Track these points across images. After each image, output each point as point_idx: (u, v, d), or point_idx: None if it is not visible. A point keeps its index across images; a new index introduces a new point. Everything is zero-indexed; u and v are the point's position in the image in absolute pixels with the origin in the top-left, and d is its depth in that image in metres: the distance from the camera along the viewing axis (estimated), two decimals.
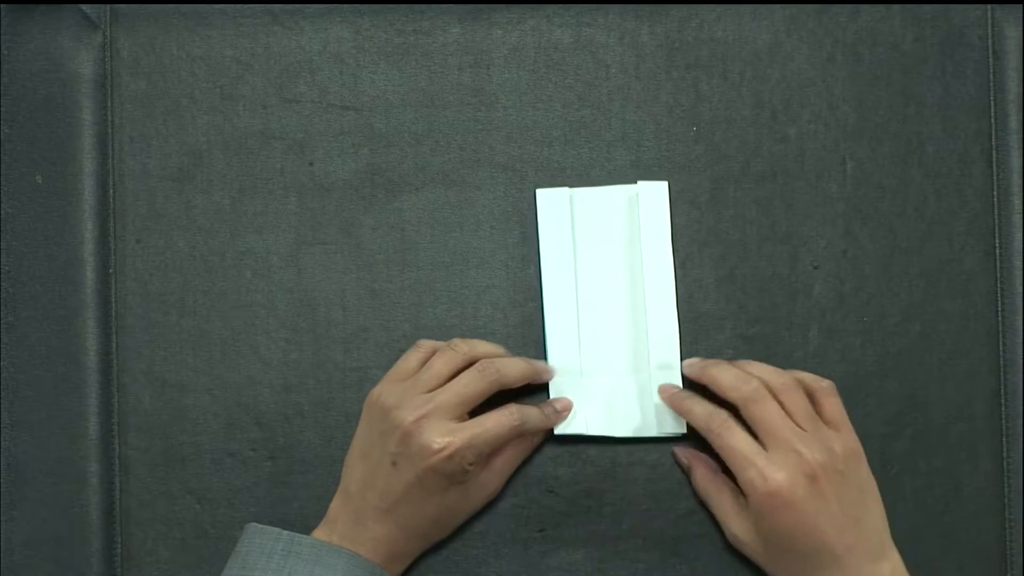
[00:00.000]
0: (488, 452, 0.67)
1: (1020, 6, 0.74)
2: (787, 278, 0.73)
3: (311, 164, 0.73)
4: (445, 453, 0.65)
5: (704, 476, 0.70)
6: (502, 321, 0.72)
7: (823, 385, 0.68)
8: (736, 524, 0.68)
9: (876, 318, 0.73)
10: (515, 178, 0.73)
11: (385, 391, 0.68)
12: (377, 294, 0.72)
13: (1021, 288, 0.73)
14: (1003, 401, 0.73)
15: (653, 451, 0.72)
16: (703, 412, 0.68)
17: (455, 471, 0.65)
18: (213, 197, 0.73)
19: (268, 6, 0.73)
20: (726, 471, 0.68)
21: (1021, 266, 0.73)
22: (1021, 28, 0.74)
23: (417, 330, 0.72)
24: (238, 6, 0.73)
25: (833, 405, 0.68)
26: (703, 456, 0.70)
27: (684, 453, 0.71)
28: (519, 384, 0.69)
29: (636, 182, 0.73)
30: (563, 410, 0.71)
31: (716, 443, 0.67)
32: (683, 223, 0.73)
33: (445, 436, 0.65)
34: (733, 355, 0.72)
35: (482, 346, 0.70)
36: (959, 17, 0.74)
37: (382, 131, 0.73)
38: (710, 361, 0.70)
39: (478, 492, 0.69)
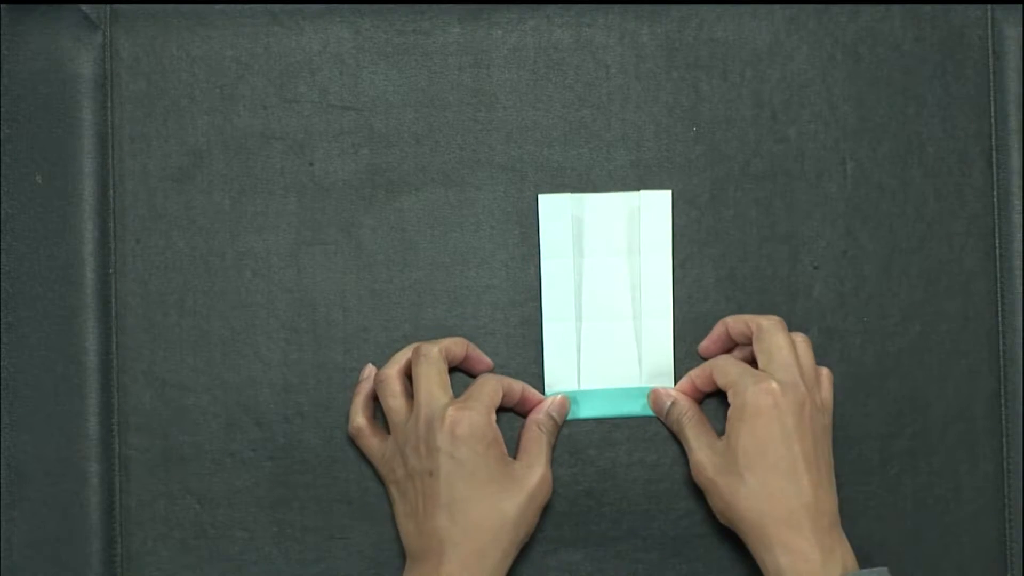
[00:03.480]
0: (492, 408, 0.67)
1: (1020, 6, 0.74)
2: (787, 278, 0.73)
3: (311, 164, 0.73)
4: (456, 412, 0.66)
5: (687, 407, 0.70)
6: (502, 321, 0.72)
7: (824, 371, 0.71)
8: (708, 447, 0.68)
9: (876, 318, 0.73)
10: (515, 178, 0.73)
11: (387, 462, 0.69)
12: (377, 294, 0.72)
13: (1021, 288, 0.73)
14: (1003, 401, 0.73)
15: (653, 451, 0.72)
16: (692, 371, 0.71)
17: (480, 428, 0.66)
18: (213, 197, 0.73)
19: (268, 6, 0.73)
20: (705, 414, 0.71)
21: (1021, 266, 0.73)
22: (1021, 28, 0.74)
23: (417, 330, 0.72)
24: (238, 6, 0.73)
25: (827, 389, 0.70)
26: (687, 397, 0.71)
27: (667, 392, 0.71)
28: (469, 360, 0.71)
29: (636, 183, 0.73)
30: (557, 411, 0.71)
31: (716, 368, 0.69)
32: (683, 223, 0.73)
33: (449, 404, 0.66)
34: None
35: (394, 365, 0.70)
36: (959, 17, 0.74)
37: (382, 131, 0.73)
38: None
39: (525, 479, 0.67)
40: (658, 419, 0.72)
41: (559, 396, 0.71)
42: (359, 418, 0.70)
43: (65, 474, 0.71)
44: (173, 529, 0.71)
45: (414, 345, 0.70)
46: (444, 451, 0.65)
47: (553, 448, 0.71)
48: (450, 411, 0.66)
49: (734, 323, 0.71)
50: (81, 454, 0.71)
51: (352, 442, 0.71)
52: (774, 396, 0.66)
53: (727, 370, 0.68)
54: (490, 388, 0.68)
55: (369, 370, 0.71)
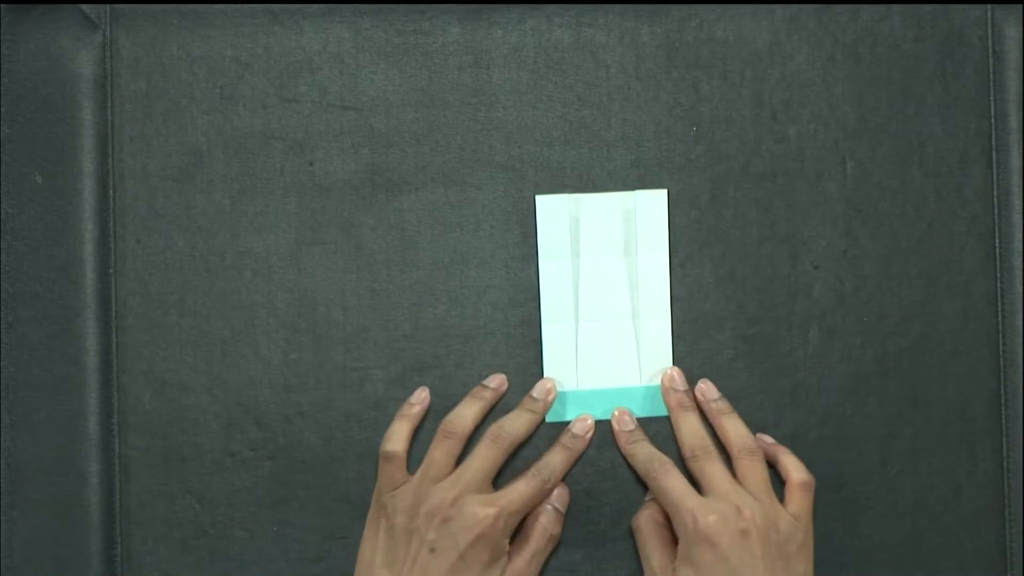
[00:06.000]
0: (523, 516, 0.68)
1: (1020, 6, 0.74)
2: (787, 278, 0.73)
3: (311, 164, 0.73)
4: (490, 520, 0.65)
5: (647, 517, 0.69)
6: (502, 321, 0.72)
7: (803, 478, 0.69)
8: (658, 566, 0.67)
9: (876, 318, 0.73)
10: (515, 178, 0.73)
11: (394, 497, 0.68)
12: (377, 294, 0.72)
13: (1021, 288, 0.73)
14: (1003, 401, 0.73)
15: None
16: (645, 456, 0.69)
17: (498, 540, 0.66)
18: (213, 197, 0.73)
19: (268, 6, 0.73)
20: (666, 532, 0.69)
21: (1021, 266, 0.73)
22: (1021, 28, 0.74)
23: (417, 330, 0.72)
24: (238, 6, 0.73)
25: (801, 500, 0.68)
26: (657, 506, 0.70)
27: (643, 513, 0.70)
28: (530, 435, 0.70)
29: (636, 183, 0.73)
30: (581, 433, 0.71)
31: (653, 486, 0.68)
32: (683, 223, 0.73)
33: (487, 506, 0.66)
34: (733, 355, 0.72)
35: (470, 416, 0.70)
36: (959, 17, 0.74)
37: (382, 131, 0.73)
38: (688, 400, 0.71)
39: None
40: (664, 403, 0.72)
41: (564, 490, 0.71)
42: (400, 445, 0.69)
43: (65, 474, 0.71)
44: (173, 529, 0.71)
45: (484, 392, 0.70)
46: (458, 540, 0.65)
47: (556, 543, 0.70)
48: (481, 512, 0.65)
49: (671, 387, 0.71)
50: (81, 454, 0.71)
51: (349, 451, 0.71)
52: (711, 536, 0.64)
53: (666, 491, 0.67)
54: (533, 495, 0.67)
55: (421, 396, 0.71)
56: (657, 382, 0.72)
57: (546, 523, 0.69)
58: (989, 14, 0.74)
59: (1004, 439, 0.73)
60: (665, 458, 0.69)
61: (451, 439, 0.69)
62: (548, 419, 0.72)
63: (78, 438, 0.71)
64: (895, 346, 0.73)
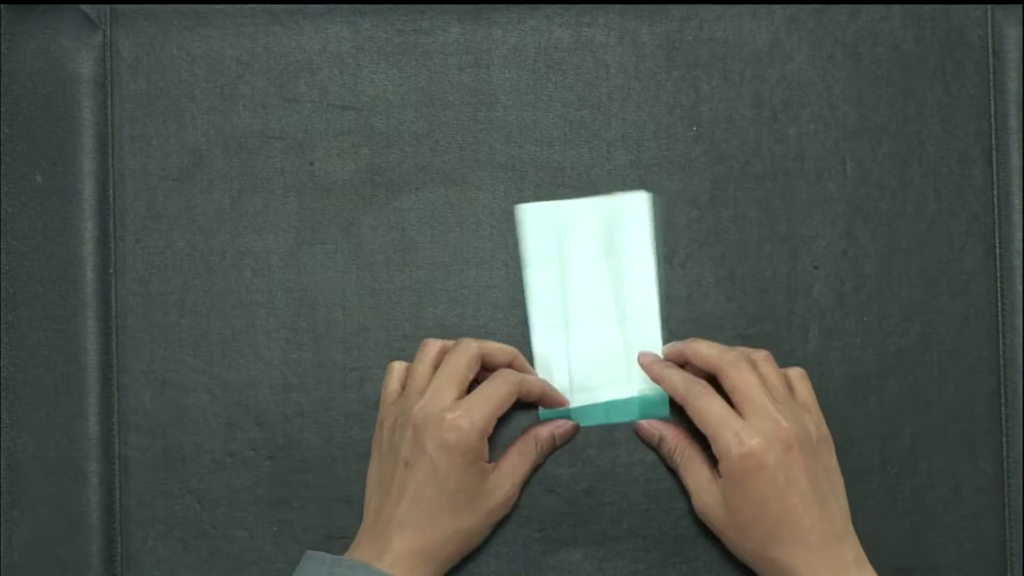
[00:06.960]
0: (496, 416, 0.66)
1: (1020, 6, 0.74)
2: (787, 278, 0.73)
3: (311, 164, 0.73)
4: (453, 419, 0.64)
5: (676, 443, 0.69)
6: (502, 321, 0.72)
7: (798, 370, 0.70)
8: (707, 494, 0.67)
9: (876, 318, 0.73)
10: (515, 178, 0.73)
11: (381, 415, 0.69)
12: (377, 294, 0.72)
13: (1021, 288, 0.73)
14: (1003, 401, 0.73)
15: (653, 451, 0.72)
16: (680, 380, 0.68)
17: (470, 446, 0.65)
18: (213, 197, 0.73)
19: (268, 6, 0.73)
20: (696, 443, 0.69)
21: (1021, 266, 0.73)
22: (1021, 28, 0.74)
23: (417, 330, 0.72)
24: (238, 6, 0.73)
25: (806, 390, 0.69)
26: (674, 426, 0.70)
27: (652, 425, 0.71)
28: (529, 398, 0.70)
29: (636, 183, 0.73)
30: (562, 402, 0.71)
31: (692, 407, 0.67)
32: (683, 223, 0.73)
33: (451, 408, 0.65)
34: None
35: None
36: (959, 17, 0.74)
37: (382, 131, 0.73)
38: (686, 340, 0.71)
39: (492, 495, 0.67)
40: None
41: (571, 423, 0.71)
42: (401, 362, 0.71)
43: (65, 474, 0.71)
44: (173, 529, 0.71)
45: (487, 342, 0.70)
46: (428, 453, 0.65)
47: (537, 468, 0.71)
48: (448, 416, 0.65)
49: (694, 356, 0.69)
50: (81, 454, 0.71)
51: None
52: (758, 458, 0.64)
53: (706, 414, 0.66)
54: (502, 394, 0.67)
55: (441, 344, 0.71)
56: (649, 391, 0.71)
57: (538, 431, 0.70)
58: (989, 14, 0.74)
59: (1004, 439, 0.73)
60: (702, 381, 0.67)
61: (426, 348, 0.69)
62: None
63: (78, 438, 0.71)
64: (895, 346, 0.73)
